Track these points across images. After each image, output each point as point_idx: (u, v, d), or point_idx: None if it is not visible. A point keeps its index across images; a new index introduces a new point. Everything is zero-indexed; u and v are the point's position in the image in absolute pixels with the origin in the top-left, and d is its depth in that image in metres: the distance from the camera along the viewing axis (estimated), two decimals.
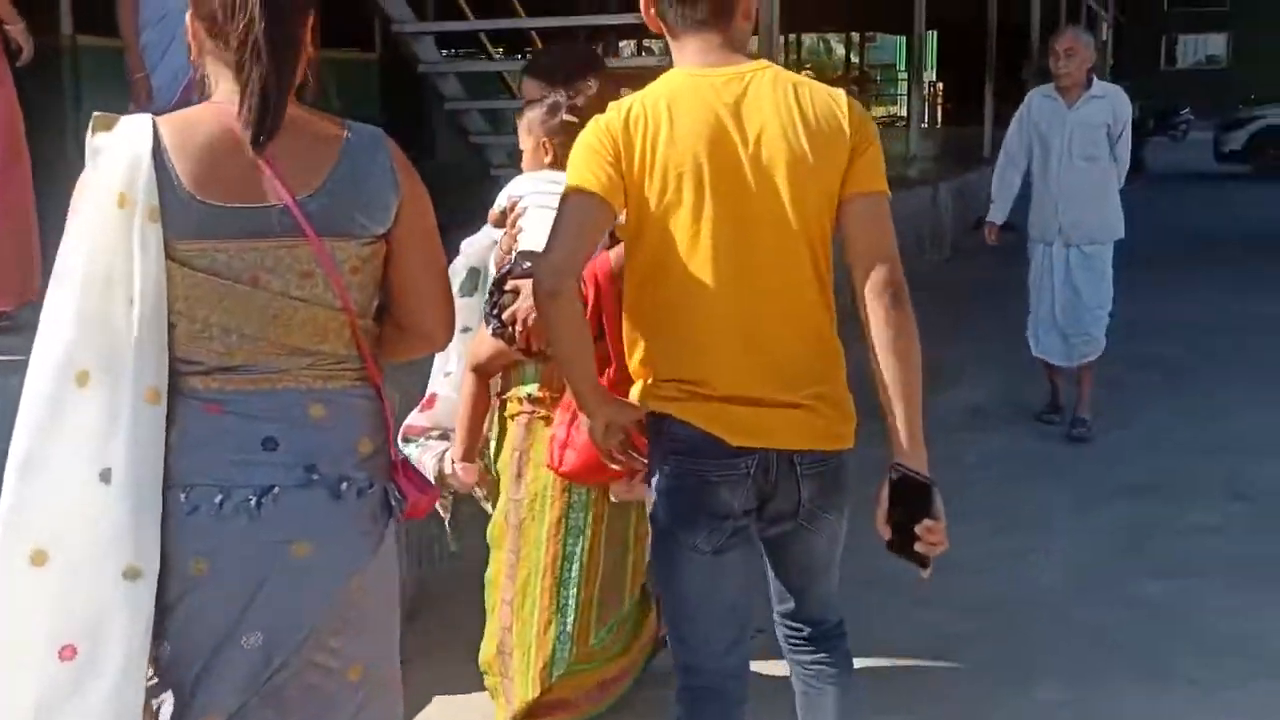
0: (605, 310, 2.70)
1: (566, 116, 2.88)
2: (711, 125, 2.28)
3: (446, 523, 3.20)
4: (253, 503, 1.98)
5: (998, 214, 6.45)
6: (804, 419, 2.35)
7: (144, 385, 1.94)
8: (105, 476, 1.93)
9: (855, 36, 39.29)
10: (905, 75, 25.23)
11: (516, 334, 2.68)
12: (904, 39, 29.98)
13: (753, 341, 2.32)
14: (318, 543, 2.03)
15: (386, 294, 2.13)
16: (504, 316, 2.68)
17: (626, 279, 2.41)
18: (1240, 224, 14.53)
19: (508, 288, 2.72)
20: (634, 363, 2.42)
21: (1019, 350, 6.58)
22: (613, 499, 2.81)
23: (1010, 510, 5.24)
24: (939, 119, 35.17)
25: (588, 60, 3.13)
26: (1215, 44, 40.14)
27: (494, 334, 2.73)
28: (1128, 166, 6.22)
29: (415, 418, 3.19)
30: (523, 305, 2.68)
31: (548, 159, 2.91)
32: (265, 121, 1.95)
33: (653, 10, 2.40)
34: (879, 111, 36.56)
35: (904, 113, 22.24)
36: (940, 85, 37.40)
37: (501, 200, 2.90)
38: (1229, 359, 7.77)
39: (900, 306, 2.27)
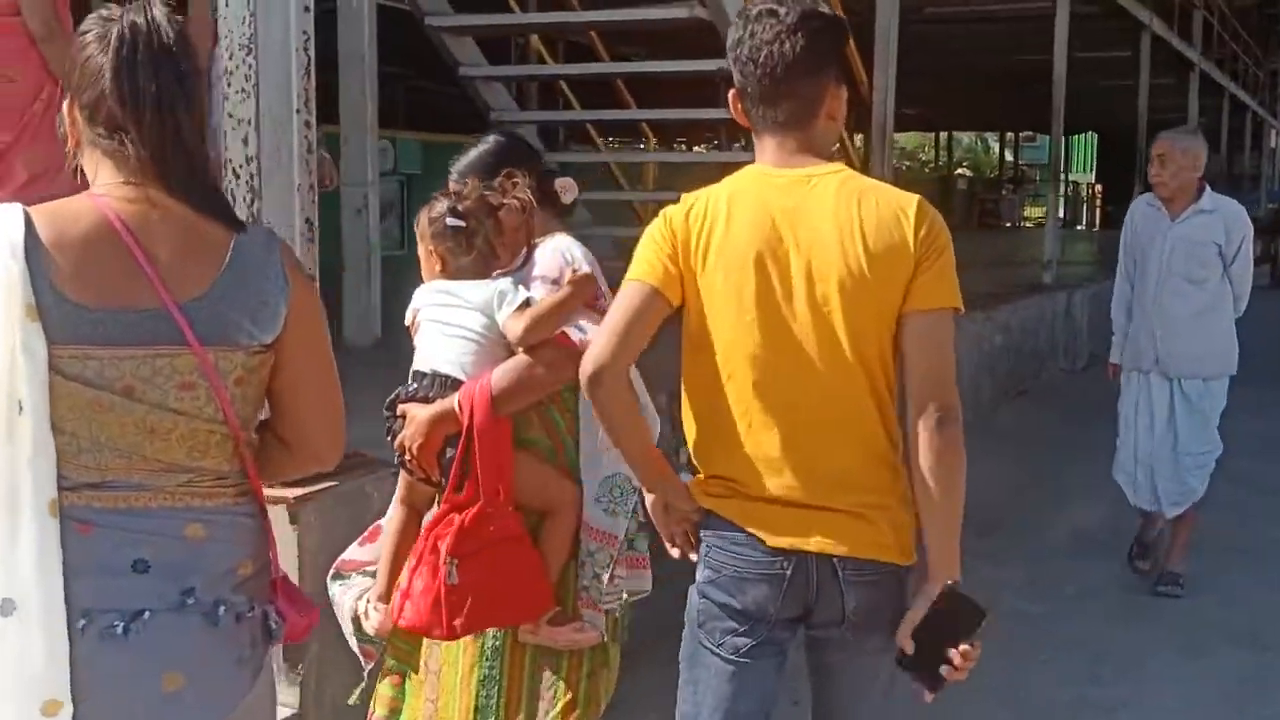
0: (477, 440, 2.48)
1: (451, 221, 2.64)
2: (766, 227, 2.25)
3: (365, 672, 2.81)
4: (119, 628, 1.79)
5: (1118, 350, 5.69)
6: (848, 524, 2.25)
7: (44, 498, 1.77)
8: (5, 608, 1.75)
9: (1011, 136, 38.70)
10: (1063, 176, 24.69)
11: (408, 462, 2.46)
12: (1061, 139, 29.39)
13: (795, 449, 2.25)
14: (190, 675, 1.84)
15: (270, 406, 1.96)
16: (394, 445, 2.46)
17: (683, 376, 2.37)
18: None
19: (397, 412, 2.50)
20: (690, 457, 2.41)
21: None
22: (520, 639, 2.54)
23: (1107, 651, 4.76)
24: (1097, 222, 34.30)
25: (502, 157, 2.80)
26: None
27: (396, 463, 2.51)
28: (1247, 293, 5.44)
29: (354, 552, 2.84)
30: (407, 432, 2.46)
31: (438, 267, 2.68)
32: (217, 202, 1.90)
33: (739, 106, 2.37)
34: (1035, 213, 35.78)
35: (1060, 214, 21.65)
36: (1099, 188, 36.53)
37: (409, 314, 2.69)
38: None
39: (944, 431, 2.18)
